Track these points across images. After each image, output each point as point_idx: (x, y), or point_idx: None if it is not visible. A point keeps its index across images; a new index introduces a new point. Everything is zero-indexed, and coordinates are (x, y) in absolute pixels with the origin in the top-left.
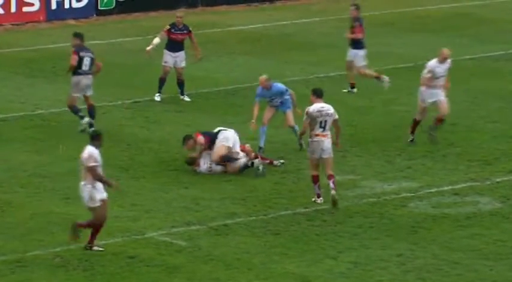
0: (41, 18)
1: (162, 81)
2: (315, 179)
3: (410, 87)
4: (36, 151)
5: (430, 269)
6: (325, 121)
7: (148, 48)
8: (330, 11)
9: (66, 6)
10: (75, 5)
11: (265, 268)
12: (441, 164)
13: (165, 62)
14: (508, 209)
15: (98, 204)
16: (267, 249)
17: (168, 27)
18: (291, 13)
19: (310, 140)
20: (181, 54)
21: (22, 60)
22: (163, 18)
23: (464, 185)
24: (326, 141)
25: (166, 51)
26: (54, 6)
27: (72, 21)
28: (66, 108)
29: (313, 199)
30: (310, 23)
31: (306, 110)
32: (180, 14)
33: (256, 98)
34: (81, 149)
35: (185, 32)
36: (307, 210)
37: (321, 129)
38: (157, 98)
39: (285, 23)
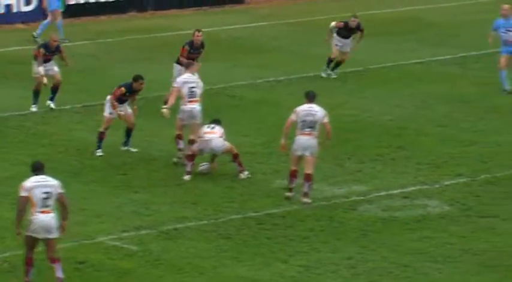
0: None
1: (38, 92)
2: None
3: (360, 91)
4: None
5: (380, 272)
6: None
7: (43, 79)
8: (279, 15)
9: (15, 10)
10: (23, 8)
11: (216, 272)
12: (390, 168)
13: (38, 73)
14: (457, 212)
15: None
16: (217, 253)
17: (42, 50)
18: (240, 17)
19: None
20: (52, 62)
21: None
22: (113, 22)
23: (413, 188)
24: None
25: (35, 63)
26: (2, 10)
27: (21, 25)
28: (15, 113)
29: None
30: (259, 27)
31: None
32: (55, 38)
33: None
34: (28, 154)
35: (57, 53)
36: (257, 214)
37: None
38: (34, 108)
39: (234, 26)
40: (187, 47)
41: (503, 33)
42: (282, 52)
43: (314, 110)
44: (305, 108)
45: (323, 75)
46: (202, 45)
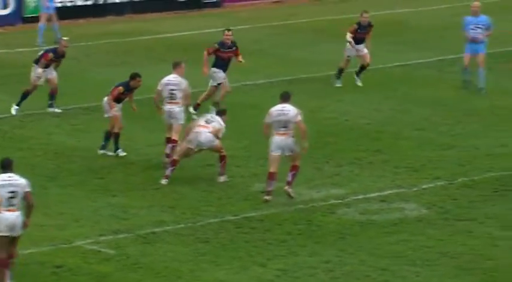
0: None
1: (27, 95)
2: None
3: (339, 94)
4: None
5: (357, 276)
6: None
7: (40, 82)
8: (259, 18)
9: None
10: (0, 12)
11: (194, 276)
12: (368, 171)
13: (37, 74)
14: (434, 215)
15: None
16: (195, 257)
17: (51, 55)
18: (219, 20)
19: None
20: (51, 67)
21: None
22: (91, 26)
23: (391, 191)
24: None
25: (37, 66)
26: None
27: None
28: None
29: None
30: (239, 31)
31: None
32: (65, 43)
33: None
34: (5, 157)
35: (61, 59)
36: (235, 217)
37: None
38: (14, 111)
39: (213, 30)
40: (216, 46)
41: (472, 31)
42: (262, 55)
43: (286, 110)
44: (278, 108)
45: (359, 84)
46: (234, 44)
